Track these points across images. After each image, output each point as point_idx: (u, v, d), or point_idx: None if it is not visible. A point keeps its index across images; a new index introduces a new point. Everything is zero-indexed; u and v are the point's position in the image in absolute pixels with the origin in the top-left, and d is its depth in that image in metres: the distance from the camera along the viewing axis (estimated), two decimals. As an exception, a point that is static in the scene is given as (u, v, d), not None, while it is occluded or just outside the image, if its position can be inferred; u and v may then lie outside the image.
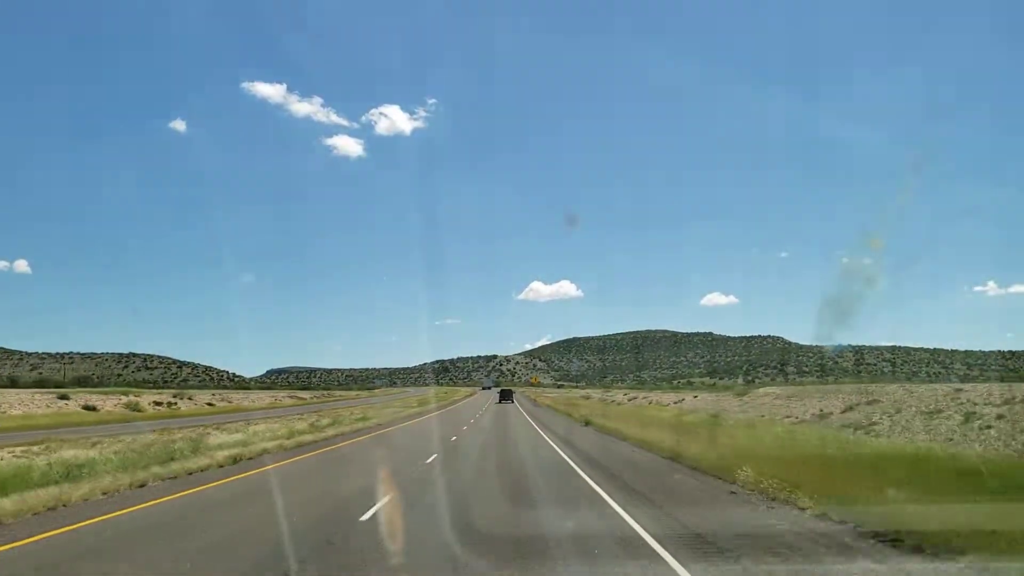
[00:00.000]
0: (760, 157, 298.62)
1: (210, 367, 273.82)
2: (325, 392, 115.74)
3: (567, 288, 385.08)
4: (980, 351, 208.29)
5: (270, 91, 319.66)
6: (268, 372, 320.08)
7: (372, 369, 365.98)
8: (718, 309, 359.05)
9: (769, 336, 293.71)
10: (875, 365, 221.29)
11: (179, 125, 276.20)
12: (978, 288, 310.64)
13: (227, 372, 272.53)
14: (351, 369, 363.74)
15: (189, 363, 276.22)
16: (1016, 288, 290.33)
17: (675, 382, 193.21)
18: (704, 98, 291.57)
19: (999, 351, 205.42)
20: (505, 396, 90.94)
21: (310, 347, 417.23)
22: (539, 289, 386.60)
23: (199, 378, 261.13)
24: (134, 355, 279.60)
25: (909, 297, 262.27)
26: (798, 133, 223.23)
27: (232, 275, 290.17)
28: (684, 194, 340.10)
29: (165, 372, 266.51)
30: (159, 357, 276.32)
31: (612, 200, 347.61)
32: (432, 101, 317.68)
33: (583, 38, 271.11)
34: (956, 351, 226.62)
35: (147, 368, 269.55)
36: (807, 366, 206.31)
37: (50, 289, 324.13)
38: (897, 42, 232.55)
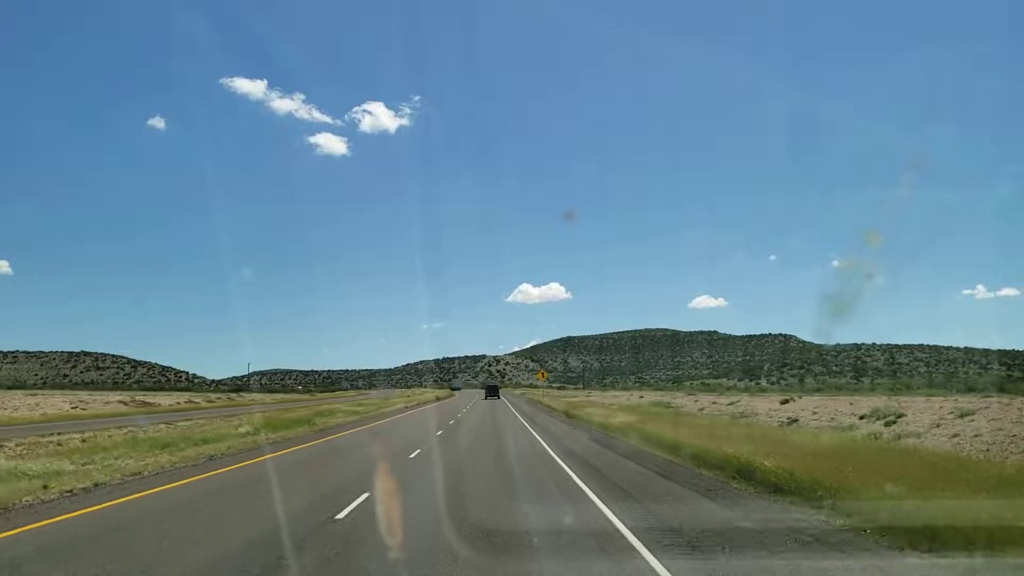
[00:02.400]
0: (751, 157, 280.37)
1: (168, 367, 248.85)
2: (229, 398, 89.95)
3: (556, 290, 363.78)
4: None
5: (250, 87, 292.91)
6: (252, 373, 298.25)
7: (354, 371, 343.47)
8: (708, 311, 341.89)
9: (780, 335, 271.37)
10: (908, 364, 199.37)
11: (158, 123, 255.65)
12: (967, 291, 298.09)
13: (186, 373, 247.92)
14: (329, 371, 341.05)
15: (145, 363, 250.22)
16: (1005, 291, 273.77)
17: (690, 383, 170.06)
18: (700, 95, 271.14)
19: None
20: (491, 392, 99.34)
21: (294, 349, 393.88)
22: (528, 291, 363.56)
23: (154, 379, 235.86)
24: (86, 353, 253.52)
25: (901, 299, 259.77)
26: (789, 133, 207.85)
27: (213, 276, 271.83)
28: (675, 197, 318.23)
29: (117, 373, 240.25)
30: (112, 356, 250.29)
31: (602, 201, 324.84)
32: (417, 98, 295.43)
33: (572, 33, 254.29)
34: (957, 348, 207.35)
35: (97, 368, 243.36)
36: (836, 365, 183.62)
37: (27, 288, 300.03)
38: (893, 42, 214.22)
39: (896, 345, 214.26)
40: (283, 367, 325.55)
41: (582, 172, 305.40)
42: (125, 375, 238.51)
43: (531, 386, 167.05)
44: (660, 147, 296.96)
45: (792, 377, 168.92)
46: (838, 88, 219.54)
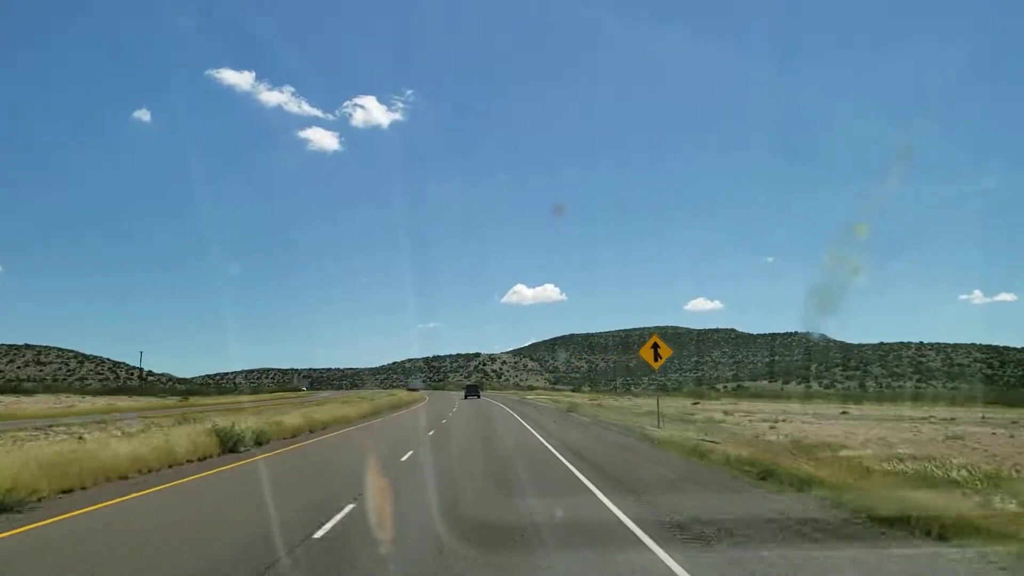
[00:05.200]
0: (751, 158, 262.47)
1: (120, 363, 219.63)
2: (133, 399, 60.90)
3: (551, 291, 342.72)
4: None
5: (237, 79, 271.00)
6: (237, 372, 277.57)
7: (338, 369, 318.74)
8: (710, 313, 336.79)
9: (808, 334, 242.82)
10: (967, 366, 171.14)
11: (143, 115, 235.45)
12: (963, 296, 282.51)
13: (139, 369, 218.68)
14: (312, 369, 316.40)
15: (94, 358, 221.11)
16: (1002, 296, 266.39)
17: (722, 386, 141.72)
18: (698, 95, 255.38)
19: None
20: (471, 392, 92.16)
21: (280, 347, 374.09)
22: (523, 292, 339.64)
23: (102, 376, 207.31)
24: (28, 347, 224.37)
25: (896, 302, 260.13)
26: (785, 133, 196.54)
27: (199, 273, 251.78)
28: (671, 199, 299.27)
29: (61, 368, 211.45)
30: (58, 350, 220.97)
31: (600, 202, 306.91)
32: (409, 92, 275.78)
33: (568, 29, 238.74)
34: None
35: (39, 363, 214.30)
36: (899, 367, 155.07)
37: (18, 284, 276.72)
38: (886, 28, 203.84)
39: (950, 344, 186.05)
40: (270, 366, 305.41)
41: (580, 172, 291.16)
42: (69, 371, 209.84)
43: (530, 388, 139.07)
44: (660, 147, 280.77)
45: (848, 380, 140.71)
46: (836, 86, 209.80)
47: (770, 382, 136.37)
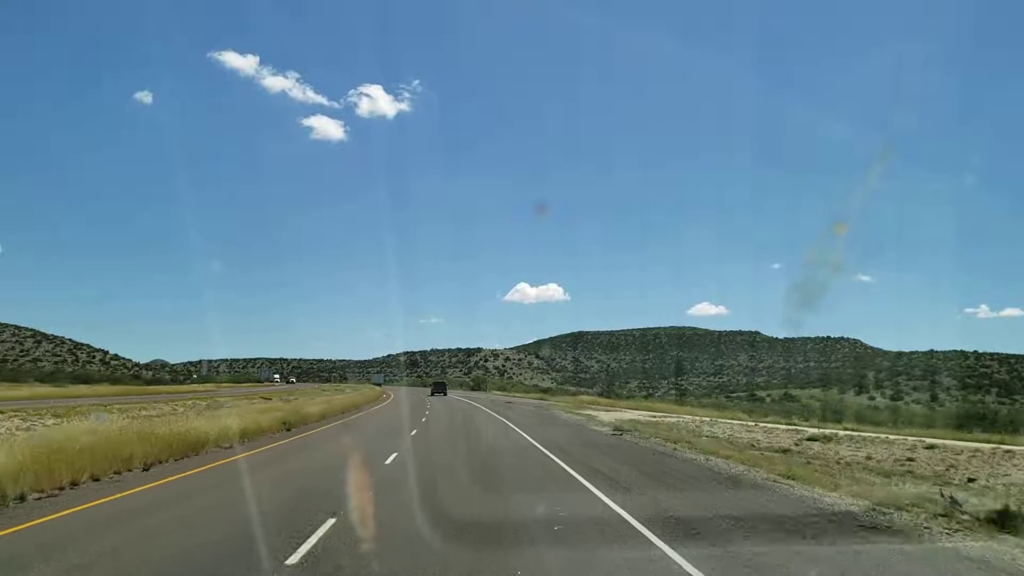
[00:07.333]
0: (752, 164, 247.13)
1: (81, 344, 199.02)
2: None
3: (555, 291, 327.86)
4: None
5: (241, 62, 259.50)
6: (220, 360, 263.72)
7: (328, 360, 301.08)
8: (707, 318, 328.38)
9: (844, 338, 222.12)
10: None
11: (145, 97, 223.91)
12: (969, 310, 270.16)
13: (102, 352, 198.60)
14: (301, 360, 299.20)
15: (55, 337, 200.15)
16: (1009, 311, 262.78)
17: (768, 395, 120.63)
18: (705, 98, 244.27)
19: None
20: (438, 389, 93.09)
21: (273, 338, 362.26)
22: (526, 291, 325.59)
23: (59, 358, 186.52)
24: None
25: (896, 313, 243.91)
26: (787, 139, 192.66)
27: (196, 262, 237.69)
28: (674, 202, 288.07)
29: (14, 347, 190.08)
30: (14, 327, 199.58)
31: (603, 202, 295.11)
32: (417, 82, 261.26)
33: (578, 32, 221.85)
34: None
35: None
36: (972, 378, 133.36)
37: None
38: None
39: (1013, 355, 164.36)
40: (262, 356, 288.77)
41: (587, 173, 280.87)
42: (23, 351, 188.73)
43: (546, 391, 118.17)
44: (665, 150, 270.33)
45: (916, 391, 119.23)
46: (841, 90, 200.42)
47: (856, 394, 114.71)
